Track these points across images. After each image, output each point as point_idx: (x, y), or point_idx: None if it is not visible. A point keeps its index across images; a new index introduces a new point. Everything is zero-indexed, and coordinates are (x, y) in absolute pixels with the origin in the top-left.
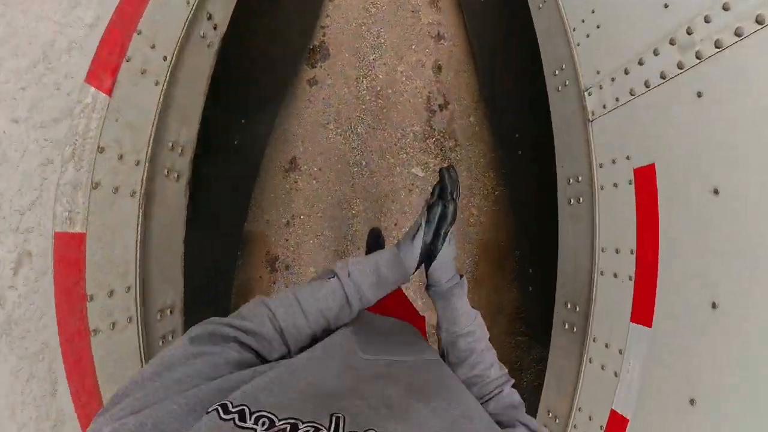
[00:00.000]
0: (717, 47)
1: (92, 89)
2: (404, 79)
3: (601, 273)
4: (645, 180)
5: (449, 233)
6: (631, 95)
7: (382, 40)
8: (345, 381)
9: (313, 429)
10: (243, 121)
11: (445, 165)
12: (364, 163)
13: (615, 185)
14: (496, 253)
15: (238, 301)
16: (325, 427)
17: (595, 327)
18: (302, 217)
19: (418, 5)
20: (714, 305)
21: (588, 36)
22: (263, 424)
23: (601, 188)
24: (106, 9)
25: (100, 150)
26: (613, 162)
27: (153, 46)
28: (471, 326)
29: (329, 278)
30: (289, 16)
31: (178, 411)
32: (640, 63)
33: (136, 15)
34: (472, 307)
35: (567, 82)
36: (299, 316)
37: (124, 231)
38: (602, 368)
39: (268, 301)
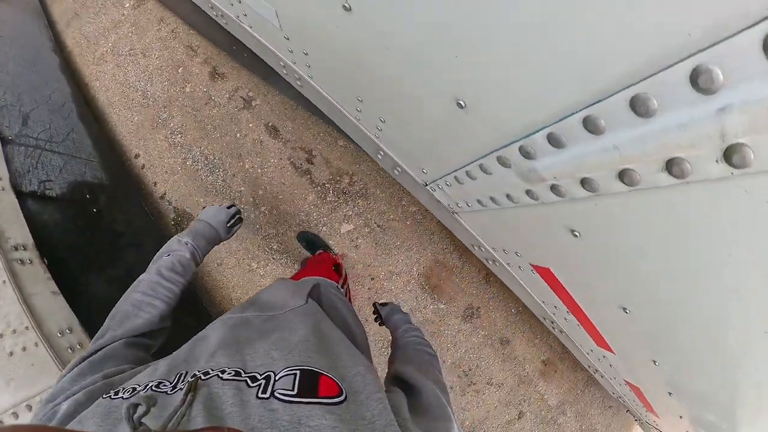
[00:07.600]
0: None
1: None
2: (260, 170)
3: None
4: None
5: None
6: None
7: (209, 154)
8: (211, 345)
9: (156, 383)
10: None
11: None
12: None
13: None
14: None
15: None
16: (169, 381)
17: None
18: None
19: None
20: None
21: None
22: (128, 391)
23: None
24: None
25: None
26: None
27: None
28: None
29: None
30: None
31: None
32: None
33: None
34: None
35: None
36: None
37: None
38: None
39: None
